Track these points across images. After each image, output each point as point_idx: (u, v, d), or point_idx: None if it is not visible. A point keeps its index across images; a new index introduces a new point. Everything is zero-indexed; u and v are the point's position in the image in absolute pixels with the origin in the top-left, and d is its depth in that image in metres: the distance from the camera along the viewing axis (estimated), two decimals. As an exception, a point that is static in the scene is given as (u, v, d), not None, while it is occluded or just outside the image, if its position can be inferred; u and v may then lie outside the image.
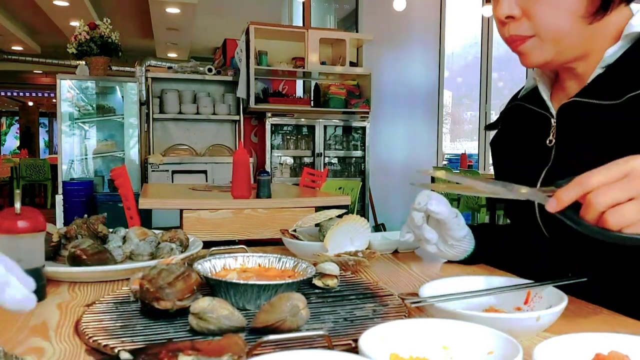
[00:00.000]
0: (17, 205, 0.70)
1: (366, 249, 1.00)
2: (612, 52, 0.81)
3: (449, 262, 1.13)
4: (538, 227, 0.91)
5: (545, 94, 0.92)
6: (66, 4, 7.34)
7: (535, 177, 0.90)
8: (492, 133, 1.11)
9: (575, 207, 0.59)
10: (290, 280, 0.71)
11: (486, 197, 4.40)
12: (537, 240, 0.93)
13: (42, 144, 17.72)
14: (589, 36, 0.81)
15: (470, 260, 1.01)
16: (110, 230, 1.02)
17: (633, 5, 0.83)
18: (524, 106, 0.97)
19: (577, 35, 0.80)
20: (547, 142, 0.90)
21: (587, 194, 0.58)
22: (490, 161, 1.12)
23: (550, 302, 0.67)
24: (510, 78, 7.04)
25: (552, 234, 0.90)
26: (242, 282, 0.69)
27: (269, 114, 5.18)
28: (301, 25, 6.60)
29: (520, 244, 1.01)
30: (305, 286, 0.80)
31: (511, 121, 1.03)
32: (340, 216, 1.08)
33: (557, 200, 0.59)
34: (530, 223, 0.92)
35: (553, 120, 0.90)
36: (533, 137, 0.93)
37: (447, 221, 0.93)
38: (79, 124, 5.67)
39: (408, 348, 0.52)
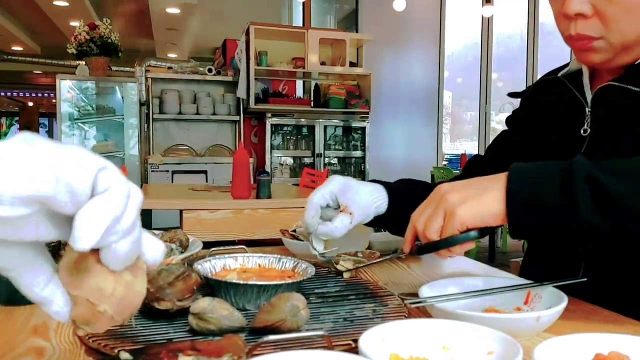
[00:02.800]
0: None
1: (366, 249, 1.00)
2: None
3: (449, 262, 1.13)
4: None
5: (586, 79, 0.90)
6: (66, 4, 7.34)
7: None
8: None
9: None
10: (290, 281, 0.71)
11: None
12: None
13: (42, 144, 17.71)
14: None
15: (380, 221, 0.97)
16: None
17: None
18: (560, 84, 0.94)
19: None
20: (582, 131, 0.88)
21: (414, 224, 0.71)
22: None
23: (550, 302, 0.67)
24: (510, 78, 7.03)
25: None
26: (242, 282, 0.69)
27: (269, 114, 5.17)
28: (301, 25, 6.60)
29: None
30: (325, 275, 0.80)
31: (542, 97, 1.00)
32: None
33: (405, 242, 0.73)
34: None
35: (587, 110, 0.88)
36: (565, 122, 0.92)
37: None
38: (79, 124, 5.66)
39: (408, 348, 0.52)
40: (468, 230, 0.66)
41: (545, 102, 0.98)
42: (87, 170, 0.35)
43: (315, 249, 0.88)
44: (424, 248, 0.70)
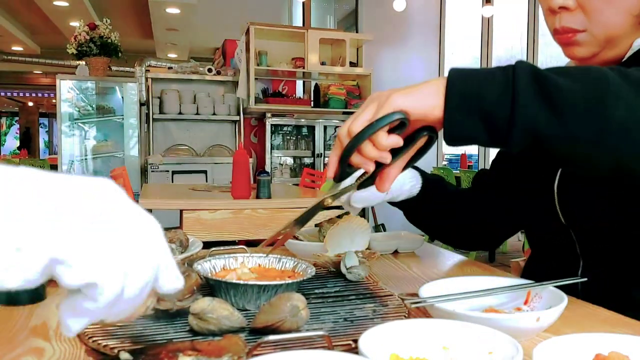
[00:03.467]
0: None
1: (366, 249, 1.00)
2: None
3: (449, 262, 1.13)
4: (555, 214, 0.90)
5: None
6: (66, 4, 7.34)
7: (553, 169, 0.90)
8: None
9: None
10: (290, 281, 0.71)
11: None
12: (552, 225, 0.92)
13: (42, 145, 17.71)
14: (636, 35, 0.80)
15: (405, 204, 0.98)
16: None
17: None
18: None
19: (627, 34, 0.80)
20: None
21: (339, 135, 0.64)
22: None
23: (550, 302, 0.67)
24: (510, 78, 7.03)
25: (569, 222, 0.89)
26: (242, 282, 0.69)
27: (268, 114, 5.17)
28: (301, 25, 6.60)
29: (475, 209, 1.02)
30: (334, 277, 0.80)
31: None
32: (340, 216, 1.08)
33: (329, 164, 0.65)
34: (548, 210, 0.91)
35: None
36: None
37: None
38: (79, 124, 5.66)
39: (408, 348, 0.52)
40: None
41: None
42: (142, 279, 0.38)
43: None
44: (346, 150, 0.61)
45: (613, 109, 0.56)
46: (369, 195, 0.83)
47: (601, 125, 0.57)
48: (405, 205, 1.00)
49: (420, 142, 0.64)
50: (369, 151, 0.61)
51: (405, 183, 0.92)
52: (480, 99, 0.58)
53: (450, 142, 0.60)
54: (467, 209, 1.06)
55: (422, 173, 0.99)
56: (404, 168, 0.68)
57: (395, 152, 0.63)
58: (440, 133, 0.63)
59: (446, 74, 0.62)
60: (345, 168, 0.63)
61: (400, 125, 0.60)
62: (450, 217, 1.05)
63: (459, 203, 1.06)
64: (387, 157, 0.62)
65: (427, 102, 0.59)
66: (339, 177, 0.65)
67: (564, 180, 0.88)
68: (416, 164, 0.73)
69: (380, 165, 0.64)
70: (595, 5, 0.78)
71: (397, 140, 0.61)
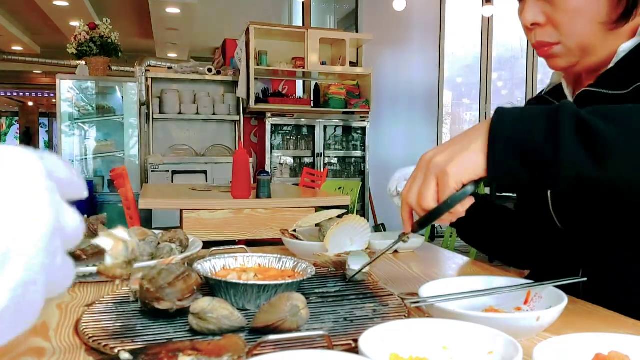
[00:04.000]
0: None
1: (366, 249, 1.00)
2: (626, 47, 0.82)
3: (449, 262, 1.13)
4: (551, 219, 0.92)
5: (567, 90, 0.93)
6: (66, 4, 7.33)
7: None
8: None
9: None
10: (290, 280, 0.71)
11: (488, 192, 4.41)
12: (548, 231, 0.94)
13: (42, 144, 17.71)
14: (612, 40, 0.82)
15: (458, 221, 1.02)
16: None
17: None
18: (547, 100, 0.98)
19: (600, 41, 0.82)
20: None
21: (408, 202, 0.69)
22: None
23: (550, 302, 0.67)
24: (510, 78, 7.03)
25: (566, 225, 0.91)
26: (242, 282, 0.69)
27: (268, 114, 5.17)
28: (301, 25, 6.60)
29: (518, 226, 1.03)
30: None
31: None
32: (340, 216, 1.08)
33: (403, 222, 0.72)
34: (543, 215, 0.93)
35: None
36: None
37: None
38: (79, 124, 5.66)
39: (408, 348, 0.52)
40: (463, 186, 0.64)
41: None
42: None
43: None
44: (425, 219, 0.68)
45: None
46: None
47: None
48: (460, 223, 1.02)
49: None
50: (446, 218, 0.67)
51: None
52: (524, 143, 0.61)
53: (496, 181, 0.64)
54: (516, 225, 1.06)
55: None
56: None
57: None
58: None
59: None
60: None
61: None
62: (502, 233, 1.06)
63: (509, 219, 1.07)
64: (461, 213, 0.68)
65: (480, 162, 0.63)
66: (417, 228, 0.72)
67: None
68: None
69: None
70: (562, 19, 0.81)
71: (465, 209, 0.67)
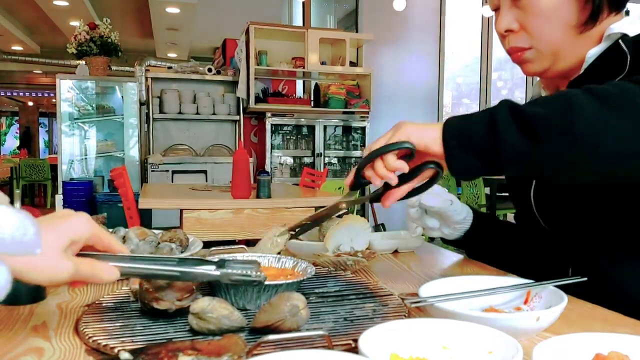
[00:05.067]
0: (17, 205, 0.70)
1: (366, 248, 1.01)
2: (594, 53, 0.84)
3: (450, 262, 1.13)
4: (536, 220, 0.94)
5: None
6: (66, 4, 7.33)
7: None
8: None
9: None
10: (290, 280, 0.71)
11: (486, 196, 4.41)
12: (537, 233, 0.96)
13: (42, 144, 17.71)
14: (582, 44, 0.84)
15: (466, 241, 1.05)
16: (110, 230, 1.02)
17: (632, 9, 0.86)
18: None
19: (571, 45, 0.85)
20: None
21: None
22: None
23: (550, 302, 0.67)
24: (510, 78, 7.03)
25: (551, 226, 0.93)
26: (242, 282, 0.69)
27: (268, 114, 5.17)
28: (301, 25, 6.60)
29: (520, 239, 1.05)
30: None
31: None
32: (340, 216, 1.08)
33: (348, 177, 0.75)
34: (529, 217, 0.95)
35: None
36: None
37: (443, 210, 0.98)
38: (79, 124, 5.66)
39: (408, 348, 0.52)
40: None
41: None
42: None
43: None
44: (363, 160, 0.72)
45: (579, 120, 0.62)
46: (437, 198, 0.96)
47: (571, 137, 0.62)
48: (466, 240, 1.05)
49: (427, 173, 0.73)
50: (378, 168, 0.71)
51: (464, 211, 1.01)
52: (470, 137, 0.67)
53: (456, 176, 0.69)
54: (519, 236, 1.07)
55: (471, 209, 1.05)
56: (408, 195, 0.76)
57: (404, 179, 0.73)
58: None
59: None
60: (360, 179, 0.73)
61: (410, 155, 0.70)
62: (509, 247, 1.07)
63: (514, 233, 1.08)
64: (393, 179, 0.71)
65: (430, 135, 0.68)
66: (354, 186, 0.75)
67: (539, 186, 0.93)
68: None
69: (389, 187, 0.74)
70: (534, 24, 0.84)
71: (402, 165, 0.70)
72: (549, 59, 0.86)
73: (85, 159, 5.72)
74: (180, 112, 5.36)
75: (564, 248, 0.91)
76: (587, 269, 0.85)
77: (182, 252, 0.99)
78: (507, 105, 0.66)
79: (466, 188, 4.52)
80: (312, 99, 5.54)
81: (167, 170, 5.08)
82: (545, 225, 0.94)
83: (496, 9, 0.89)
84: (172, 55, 10.17)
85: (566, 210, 0.89)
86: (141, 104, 5.35)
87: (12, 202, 0.48)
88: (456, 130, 0.67)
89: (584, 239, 0.87)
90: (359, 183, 0.74)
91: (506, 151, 0.64)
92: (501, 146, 0.64)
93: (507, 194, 4.06)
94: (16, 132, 18.07)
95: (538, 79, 1.00)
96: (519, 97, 6.19)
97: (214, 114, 5.46)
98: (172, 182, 5.04)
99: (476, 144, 0.66)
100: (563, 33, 0.83)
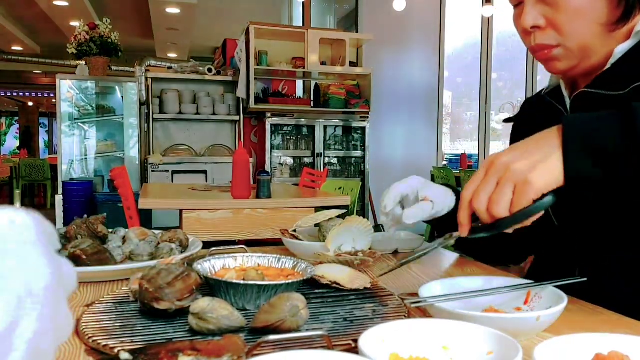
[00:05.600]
0: (17, 205, 0.70)
1: (369, 248, 1.01)
2: (623, 49, 0.82)
3: (450, 262, 1.13)
4: (547, 216, 0.92)
5: (565, 92, 0.94)
6: (66, 4, 7.34)
7: None
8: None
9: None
10: (290, 280, 0.71)
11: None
12: (546, 228, 0.94)
13: (42, 144, 17.71)
14: (611, 42, 0.83)
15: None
16: (110, 230, 1.02)
17: None
18: (543, 101, 0.98)
19: (600, 43, 0.82)
20: None
21: (471, 205, 0.66)
22: None
23: (550, 302, 0.67)
24: (510, 78, 7.04)
25: (561, 222, 0.91)
26: (242, 282, 0.69)
27: (268, 114, 5.17)
28: (301, 25, 6.60)
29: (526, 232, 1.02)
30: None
31: (531, 115, 1.04)
32: (341, 217, 1.08)
33: (460, 226, 0.68)
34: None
35: None
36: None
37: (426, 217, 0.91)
38: (79, 124, 5.66)
39: (408, 348, 0.52)
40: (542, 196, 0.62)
41: (532, 119, 1.01)
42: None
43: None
44: (491, 227, 0.64)
45: None
46: (418, 212, 0.87)
47: None
48: (436, 222, 0.99)
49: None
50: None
51: (446, 197, 0.93)
52: (599, 145, 0.61)
53: (570, 186, 0.64)
54: None
55: (454, 189, 1.00)
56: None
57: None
58: None
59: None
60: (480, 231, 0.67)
61: None
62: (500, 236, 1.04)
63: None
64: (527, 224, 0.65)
65: (559, 177, 0.62)
66: (475, 233, 0.68)
67: None
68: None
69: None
70: (563, 21, 0.81)
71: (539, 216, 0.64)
72: (577, 57, 0.84)
73: (85, 159, 5.72)
74: (180, 112, 5.36)
75: (572, 247, 0.89)
76: (598, 269, 0.84)
77: (182, 252, 0.99)
78: None
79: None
80: (312, 99, 5.54)
81: (167, 171, 5.08)
82: (556, 222, 0.92)
83: (517, 4, 0.85)
84: (172, 55, 10.18)
85: (583, 209, 0.87)
86: (141, 104, 5.36)
87: (12, 202, 0.48)
88: (581, 132, 0.62)
89: (594, 238, 0.86)
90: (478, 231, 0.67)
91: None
92: (636, 157, 0.60)
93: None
94: (16, 132, 18.07)
95: None
96: (519, 97, 6.19)
97: (214, 114, 5.46)
98: (172, 182, 5.04)
99: (603, 150, 0.61)
100: (593, 31, 0.81)
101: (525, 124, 1.04)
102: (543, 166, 0.62)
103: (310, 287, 0.80)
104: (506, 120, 1.14)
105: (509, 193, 0.62)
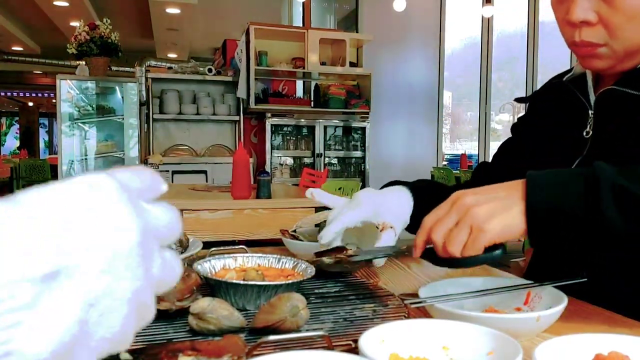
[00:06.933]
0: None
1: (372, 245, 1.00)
2: None
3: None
4: None
5: (590, 83, 0.92)
6: (66, 4, 7.34)
7: (567, 165, 0.89)
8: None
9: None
10: (290, 281, 0.71)
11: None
12: None
13: (42, 145, 17.71)
14: None
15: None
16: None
17: None
18: (565, 88, 0.95)
19: None
20: (584, 133, 0.89)
21: (429, 234, 0.66)
22: (491, 158, 1.12)
23: (550, 302, 0.67)
24: (510, 78, 7.04)
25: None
26: (242, 282, 0.69)
27: (268, 114, 5.17)
28: (301, 25, 6.60)
29: None
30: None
31: (547, 101, 1.01)
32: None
33: (416, 247, 0.69)
34: None
35: (591, 112, 0.89)
36: (568, 125, 0.93)
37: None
38: (79, 124, 5.66)
39: (408, 348, 0.52)
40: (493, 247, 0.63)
41: (551, 105, 1.00)
42: None
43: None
44: (441, 262, 0.66)
45: None
46: (387, 249, 0.84)
47: None
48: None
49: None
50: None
51: (404, 213, 0.91)
52: (563, 213, 0.62)
53: (534, 245, 0.65)
54: None
55: (409, 187, 0.96)
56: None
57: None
58: None
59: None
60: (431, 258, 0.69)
61: None
62: None
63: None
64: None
65: (518, 226, 0.63)
66: (427, 259, 0.69)
67: None
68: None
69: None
70: (617, 21, 0.77)
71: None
72: (618, 58, 0.80)
73: (86, 159, 5.72)
74: (180, 113, 5.36)
75: (572, 247, 0.89)
76: (598, 269, 0.84)
77: (182, 252, 0.99)
78: (609, 183, 0.61)
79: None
80: (312, 99, 5.54)
81: (167, 171, 5.08)
82: None
83: None
84: (172, 55, 10.18)
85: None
86: (141, 104, 5.35)
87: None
88: (544, 200, 0.62)
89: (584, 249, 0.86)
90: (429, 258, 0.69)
91: (603, 232, 0.61)
92: (600, 227, 0.61)
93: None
94: (16, 133, 18.07)
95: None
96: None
97: (214, 114, 5.46)
98: (172, 182, 5.04)
99: (569, 219, 0.62)
100: None
101: (541, 107, 1.02)
102: (501, 217, 0.62)
103: (310, 287, 0.80)
104: (518, 100, 1.11)
105: (465, 235, 0.63)
